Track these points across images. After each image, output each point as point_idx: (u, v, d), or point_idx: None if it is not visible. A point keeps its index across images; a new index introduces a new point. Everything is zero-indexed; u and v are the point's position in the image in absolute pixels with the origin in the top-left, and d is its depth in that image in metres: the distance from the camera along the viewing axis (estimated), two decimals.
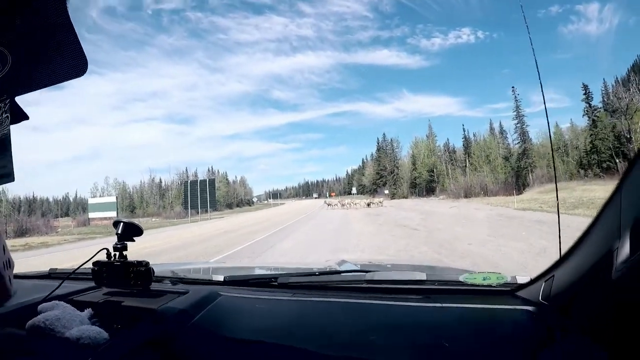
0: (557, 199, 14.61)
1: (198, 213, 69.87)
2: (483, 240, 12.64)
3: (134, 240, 1.87)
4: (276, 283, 2.14)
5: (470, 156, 71.44)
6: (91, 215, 66.85)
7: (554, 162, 70.88)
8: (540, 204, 21.69)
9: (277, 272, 2.44)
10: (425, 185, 77.49)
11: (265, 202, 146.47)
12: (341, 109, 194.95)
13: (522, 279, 1.72)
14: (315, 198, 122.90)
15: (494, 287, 1.75)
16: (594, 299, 1.22)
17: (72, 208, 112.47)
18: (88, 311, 1.51)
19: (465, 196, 58.27)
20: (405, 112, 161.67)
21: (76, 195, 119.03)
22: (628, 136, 50.53)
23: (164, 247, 20.44)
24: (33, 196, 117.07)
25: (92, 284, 1.89)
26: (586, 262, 1.23)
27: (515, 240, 11.55)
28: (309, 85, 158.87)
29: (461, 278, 1.83)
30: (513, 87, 74.66)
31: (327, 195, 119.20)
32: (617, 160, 51.60)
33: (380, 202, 49.36)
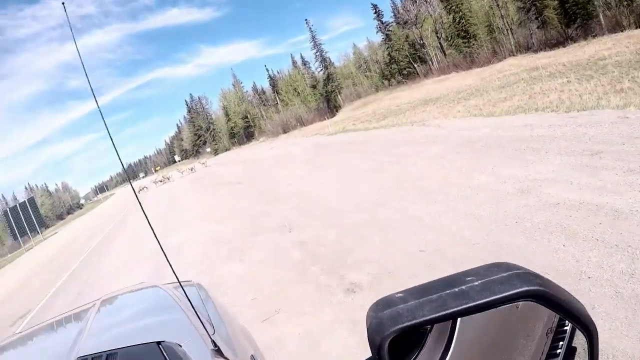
0: None
1: (30, 238, 65.22)
2: (300, 177, 12.98)
3: None
4: None
5: (279, 93, 72.18)
6: None
7: None
8: (353, 121, 22.64)
9: None
10: (244, 132, 77.78)
11: (95, 199, 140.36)
12: (143, 80, 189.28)
13: None
14: (143, 177, 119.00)
15: None
16: None
17: None
18: None
19: (284, 131, 59.73)
20: (207, 66, 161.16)
21: None
22: (421, 42, 54.31)
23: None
24: None
25: None
26: None
27: (328, 169, 11.94)
28: (105, 64, 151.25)
29: None
30: (306, 19, 78.56)
31: (153, 171, 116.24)
32: (416, 65, 55.31)
33: (204, 164, 48.80)
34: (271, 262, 6.86)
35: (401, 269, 4.64)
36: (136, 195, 1.46)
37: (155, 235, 1.43)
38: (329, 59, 69.17)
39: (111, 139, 1.43)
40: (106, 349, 1.58)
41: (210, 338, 1.48)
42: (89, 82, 1.44)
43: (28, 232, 65.76)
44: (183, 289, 1.59)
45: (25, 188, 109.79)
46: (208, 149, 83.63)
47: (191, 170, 48.57)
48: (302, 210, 9.06)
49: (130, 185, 1.49)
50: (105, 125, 1.49)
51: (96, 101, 1.45)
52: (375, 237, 5.85)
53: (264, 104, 77.33)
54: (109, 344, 1.78)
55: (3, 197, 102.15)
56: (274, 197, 11.87)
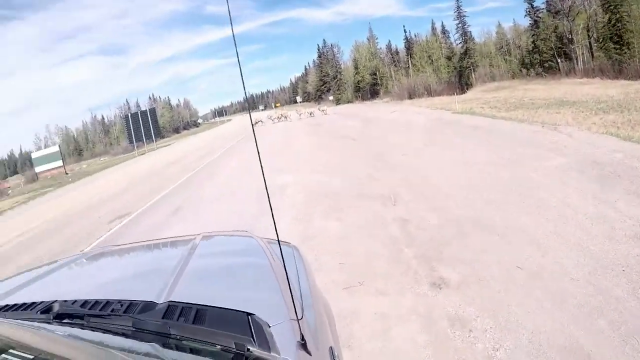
0: None
1: (144, 144, 68.99)
2: (418, 150, 12.70)
3: None
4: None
5: (413, 57, 70.32)
6: (38, 169, 65.89)
7: None
8: (482, 104, 21.86)
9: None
10: (369, 89, 77.19)
11: (212, 121, 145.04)
12: (279, 17, 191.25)
13: None
14: (262, 110, 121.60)
15: None
16: None
17: (19, 165, 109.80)
18: None
19: (409, 97, 58.32)
20: (346, 15, 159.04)
21: (21, 150, 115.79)
22: (570, 37, 50.66)
23: (108, 192, 20.37)
24: None
25: None
26: None
27: (448, 149, 11.64)
28: None
29: None
30: None
31: (273, 106, 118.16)
32: (559, 60, 51.90)
33: (323, 111, 48.93)
34: (367, 231, 6.88)
35: (490, 280, 4.50)
36: (252, 127, 1.46)
37: (263, 174, 1.42)
38: (470, 33, 66.54)
39: (240, 67, 1.44)
40: (197, 299, 1.63)
41: (298, 324, 1.45)
42: (229, 9, 1.47)
43: (144, 139, 69.57)
44: (281, 252, 1.54)
45: (149, 98, 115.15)
46: (330, 97, 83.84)
47: (310, 114, 49.01)
48: (411, 186, 8.92)
49: (249, 116, 1.48)
50: (237, 52, 1.53)
51: (232, 29, 1.48)
52: (475, 237, 5.70)
53: (394, 65, 75.82)
54: (200, 294, 1.84)
55: (127, 102, 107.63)
56: (385, 164, 11.79)
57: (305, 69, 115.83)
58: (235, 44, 1.51)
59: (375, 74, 77.05)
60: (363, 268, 5.52)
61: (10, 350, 1.13)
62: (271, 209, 1.50)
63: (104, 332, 1.49)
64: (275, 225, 1.51)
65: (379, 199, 8.50)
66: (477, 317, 3.91)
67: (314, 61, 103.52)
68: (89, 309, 1.65)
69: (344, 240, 6.71)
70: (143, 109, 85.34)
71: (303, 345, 1.39)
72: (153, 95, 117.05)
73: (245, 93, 1.36)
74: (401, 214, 7.31)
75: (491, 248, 5.28)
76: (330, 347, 1.68)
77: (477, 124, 15.19)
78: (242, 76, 1.40)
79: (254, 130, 1.46)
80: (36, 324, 1.59)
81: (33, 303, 1.79)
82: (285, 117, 50.55)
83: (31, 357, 1.13)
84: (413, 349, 3.65)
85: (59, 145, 77.44)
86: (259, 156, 1.43)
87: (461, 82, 61.14)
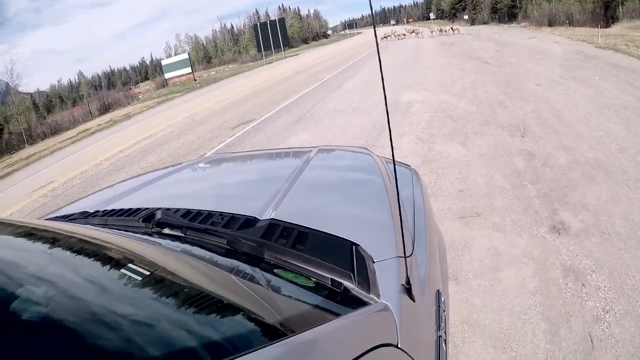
0: None
1: (272, 53, 69.93)
2: (553, 82, 11.72)
3: None
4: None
5: None
6: (167, 75, 69.16)
7: None
8: (627, 42, 19.98)
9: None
10: (507, 11, 73.06)
11: (342, 32, 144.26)
12: None
13: None
14: (393, 25, 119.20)
15: None
16: None
17: (150, 71, 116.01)
18: None
19: (549, 24, 54.19)
20: None
21: (152, 57, 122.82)
22: None
23: (233, 99, 21.08)
24: (110, 69, 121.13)
25: None
26: None
27: (586, 86, 10.70)
28: None
29: None
30: None
31: (405, 22, 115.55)
32: None
33: (457, 30, 47.04)
34: (491, 160, 6.62)
35: (613, 235, 4.15)
36: (377, 43, 1.35)
37: (384, 91, 1.28)
38: None
39: None
40: (301, 216, 1.60)
41: (405, 262, 1.28)
42: None
43: (272, 48, 70.47)
44: (395, 175, 1.33)
45: (279, 8, 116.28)
46: (465, 17, 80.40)
47: (441, 32, 47.48)
48: (542, 119, 8.33)
49: (373, 31, 1.37)
50: None
51: None
52: (604, 185, 5.22)
53: None
54: (306, 211, 1.79)
55: (257, 11, 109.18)
56: (516, 92, 11.10)
57: None
58: None
59: None
60: (482, 199, 5.34)
61: (129, 265, 1.17)
62: (389, 129, 1.31)
63: (202, 248, 1.50)
64: (392, 145, 1.31)
65: (506, 128, 8.10)
66: (593, 272, 3.66)
67: None
68: (190, 219, 1.68)
69: (466, 166, 6.51)
70: (272, 18, 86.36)
71: (407, 289, 1.25)
72: (283, 5, 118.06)
73: (371, 6, 1.24)
74: (528, 148, 6.91)
75: (621, 199, 4.83)
76: (437, 291, 1.54)
77: (619, 62, 13.72)
78: None
79: (378, 48, 1.34)
80: (143, 236, 1.63)
81: (138, 209, 1.85)
82: (417, 33, 49.53)
83: (147, 273, 1.16)
84: (521, 294, 3.50)
85: (188, 53, 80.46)
86: (382, 73, 1.29)
87: (606, 14, 55.44)
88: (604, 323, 3.09)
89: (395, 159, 1.33)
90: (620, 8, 54.14)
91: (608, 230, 4.20)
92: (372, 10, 1.27)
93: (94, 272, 1.12)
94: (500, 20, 72.27)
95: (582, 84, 11.04)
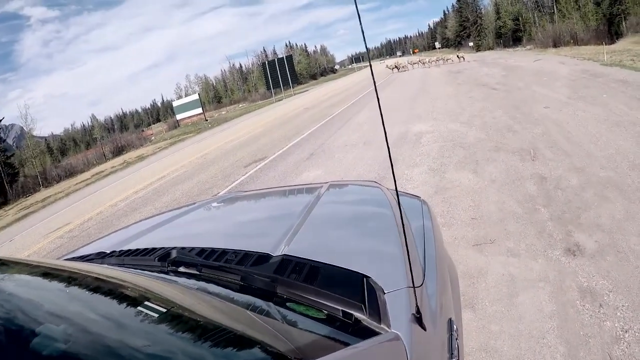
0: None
1: (282, 91, 70.94)
2: (561, 103, 11.77)
3: None
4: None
5: (558, 1, 65.63)
6: (179, 116, 70.77)
7: None
8: (632, 57, 20.01)
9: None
10: (511, 35, 73.55)
11: (349, 67, 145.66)
12: None
13: None
14: (399, 56, 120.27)
15: None
16: None
17: (161, 112, 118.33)
18: None
19: (554, 45, 54.44)
20: None
21: (163, 99, 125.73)
22: None
23: (245, 138, 21.39)
24: (122, 112, 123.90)
25: None
26: None
27: (594, 105, 10.74)
28: None
29: None
30: None
31: (411, 53, 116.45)
32: None
33: (462, 57, 47.37)
34: (502, 186, 6.63)
35: (629, 254, 4.11)
36: (373, 77, 1.38)
37: (383, 123, 1.32)
38: None
39: (358, 14, 1.35)
40: (313, 251, 1.64)
41: (415, 292, 1.31)
42: None
43: (281, 85, 71.52)
44: (400, 207, 1.43)
45: (286, 45, 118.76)
46: (470, 44, 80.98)
47: (443, 61, 48.01)
48: (551, 142, 8.34)
49: (369, 66, 1.40)
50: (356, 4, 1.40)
51: None
52: (618, 204, 5.20)
53: (538, 10, 70.83)
54: (318, 246, 1.83)
55: (264, 49, 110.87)
56: (525, 116, 11.14)
57: (444, 13, 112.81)
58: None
59: (517, 20, 72.95)
60: (495, 225, 5.34)
61: (146, 303, 1.21)
62: (390, 160, 1.36)
63: (217, 285, 1.54)
64: (394, 178, 1.36)
65: (517, 153, 8.11)
66: (610, 292, 3.63)
67: (452, 5, 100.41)
68: (204, 257, 1.71)
69: (478, 194, 6.53)
70: (280, 56, 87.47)
71: (418, 319, 1.26)
72: (289, 42, 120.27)
73: (365, 41, 1.27)
74: (539, 171, 6.92)
75: (635, 217, 4.81)
76: (450, 319, 1.56)
77: (626, 78, 13.87)
78: (360, 22, 1.33)
79: (375, 83, 1.39)
80: (159, 274, 1.68)
81: (153, 249, 1.90)
82: (423, 64, 50.15)
83: (164, 309, 1.20)
84: (538, 318, 3.48)
85: (199, 94, 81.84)
86: (379, 105, 1.34)
87: (610, 31, 55.51)
88: (623, 343, 3.08)
89: (407, 190, 1.38)
90: (623, 23, 54.17)
91: (624, 249, 4.19)
92: (368, 51, 1.32)
93: (112, 309, 1.16)
94: (505, 45, 72.86)
95: (590, 103, 11.08)
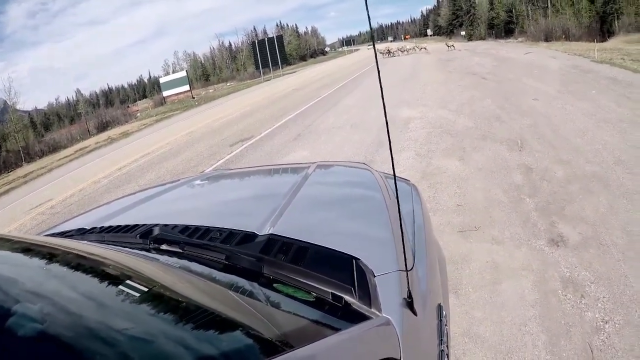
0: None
1: (270, 71, 70.36)
2: (550, 97, 11.83)
3: None
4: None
5: None
6: (165, 93, 69.67)
7: None
8: (623, 56, 20.11)
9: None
10: (504, 27, 73.53)
11: (339, 49, 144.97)
12: None
13: None
14: (390, 41, 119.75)
15: None
16: None
17: (148, 89, 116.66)
18: None
19: (546, 39, 54.58)
20: None
21: (150, 75, 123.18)
22: None
23: (232, 117, 21.25)
24: (108, 87, 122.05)
25: None
26: None
27: (583, 100, 10.79)
28: None
29: None
30: None
31: (402, 38, 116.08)
32: None
33: (452, 46, 47.33)
34: (489, 175, 6.67)
35: (612, 247, 4.18)
36: (377, 60, 1.31)
37: (384, 107, 1.31)
38: None
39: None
40: (300, 232, 1.61)
41: (407, 276, 1.27)
42: None
43: (270, 65, 71.09)
44: (396, 189, 1.31)
45: (277, 25, 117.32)
46: (462, 33, 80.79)
47: (425, 49, 48.06)
48: (539, 134, 8.40)
49: (373, 48, 1.35)
50: None
51: None
52: (602, 197, 5.28)
53: (532, 4, 71.23)
54: (305, 226, 1.79)
55: (254, 29, 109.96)
56: (514, 107, 11.19)
57: (438, 1, 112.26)
58: None
59: (511, 12, 72.96)
60: (481, 212, 5.38)
61: (126, 281, 1.18)
62: (390, 143, 1.31)
63: (200, 264, 1.50)
64: (392, 160, 1.30)
65: (504, 143, 8.17)
66: (592, 284, 3.68)
67: None
68: (188, 235, 1.68)
69: (464, 181, 6.57)
70: (270, 36, 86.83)
71: (409, 303, 1.24)
72: (280, 22, 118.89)
73: (371, 26, 1.23)
74: (526, 162, 6.97)
75: (619, 211, 4.87)
76: (439, 305, 1.55)
77: (616, 76, 13.90)
78: (367, 5, 1.29)
79: (377, 64, 1.35)
80: (141, 252, 1.63)
81: (135, 226, 1.85)
82: (414, 50, 50.06)
83: (145, 289, 1.17)
84: (521, 306, 3.53)
85: (186, 71, 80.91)
86: (381, 88, 1.31)
87: (602, 29, 55.70)
88: (603, 333, 3.12)
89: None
90: (616, 22, 54.52)
91: (606, 242, 4.23)
92: (372, 31, 1.30)
93: (91, 288, 1.13)
94: (497, 36, 72.79)
95: (578, 97, 11.13)
